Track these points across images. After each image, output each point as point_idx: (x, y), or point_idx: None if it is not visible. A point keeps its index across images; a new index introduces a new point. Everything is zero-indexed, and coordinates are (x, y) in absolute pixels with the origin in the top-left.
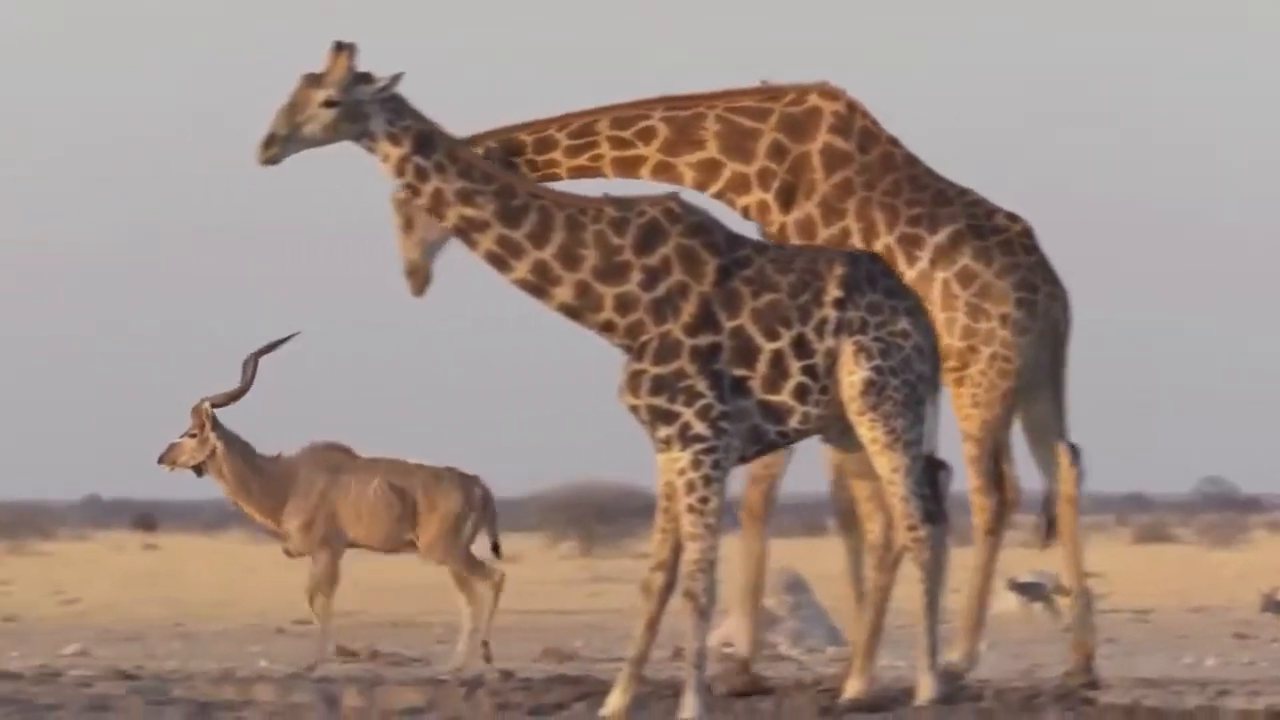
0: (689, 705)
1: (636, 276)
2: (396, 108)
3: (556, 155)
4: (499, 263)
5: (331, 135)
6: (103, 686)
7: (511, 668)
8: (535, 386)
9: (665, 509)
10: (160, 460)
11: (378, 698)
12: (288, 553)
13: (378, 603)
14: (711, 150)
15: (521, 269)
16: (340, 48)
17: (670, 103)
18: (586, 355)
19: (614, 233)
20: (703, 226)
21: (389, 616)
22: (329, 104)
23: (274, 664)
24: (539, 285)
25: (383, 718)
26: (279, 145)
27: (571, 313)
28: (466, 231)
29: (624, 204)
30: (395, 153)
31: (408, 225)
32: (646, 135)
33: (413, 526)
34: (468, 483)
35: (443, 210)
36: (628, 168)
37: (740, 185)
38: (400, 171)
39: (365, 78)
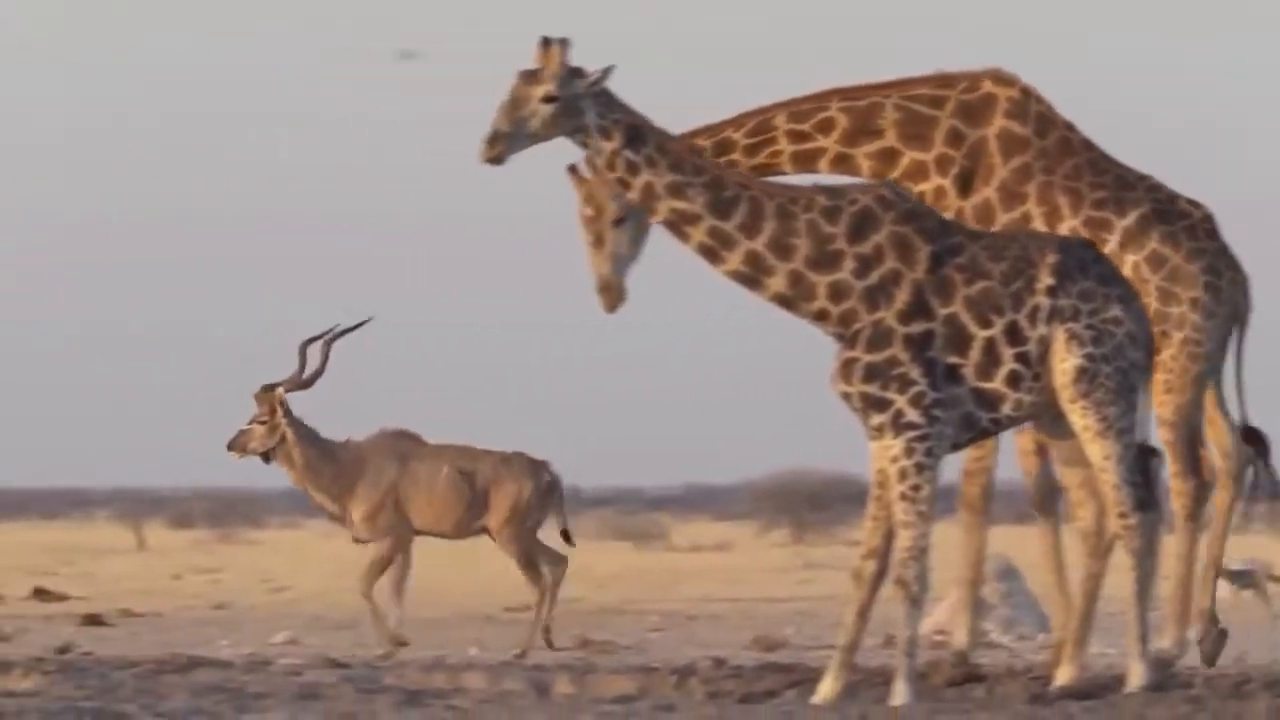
0: (900, 693)
1: (849, 264)
2: (607, 101)
3: (736, 156)
4: (711, 255)
5: (550, 131)
6: (313, 674)
7: (723, 655)
8: (748, 374)
9: (877, 496)
10: (229, 447)
11: (589, 685)
12: (357, 540)
13: (591, 591)
14: (890, 139)
15: (734, 260)
16: (550, 43)
17: (844, 94)
18: (799, 343)
19: (826, 221)
20: (916, 213)
21: (601, 604)
22: (548, 99)
23: (484, 651)
24: (752, 276)
25: (594, 705)
26: (503, 143)
27: (785, 302)
28: (678, 225)
29: (835, 192)
30: (606, 147)
31: (598, 241)
32: (825, 127)
33: (482, 513)
34: (536, 468)
35: (654, 204)
36: (806, 161)
37: (918, 172)
38: (611, 166)
39: (578, 72)
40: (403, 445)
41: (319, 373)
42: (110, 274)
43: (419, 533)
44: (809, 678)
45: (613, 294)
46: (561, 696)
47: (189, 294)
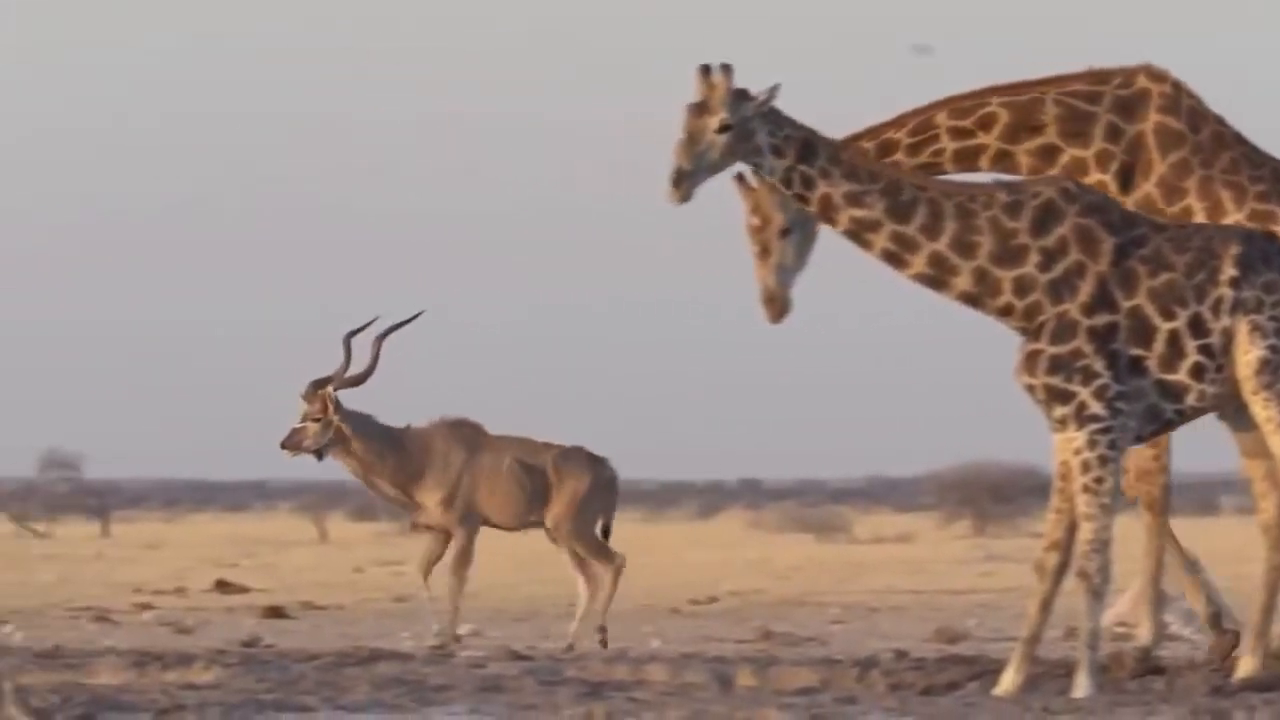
0: (1081, 685)
1: (1034, 258)
2: (775, 119)
3: (899, 156)
4: (895, 260)
5: (728, 159)
6: (495, 667)
7: (904, 647)
8: (931, 367)
9: (1060, 489)
10: (283, 445)
11: (771, 678)
12: (424, 526)
13: (773, 583)
14: (1051, 135)
15: (918, 263)
16: (710, 71)
17: (1003, 91)
18: (981, 335)
19: (1008, 216)
20: (1099, 205)
21: (783, 596)
22: (723, 128)
23: (667, 644)
24: (937, 277)
25: (775, 698)
26: (687, 180)
27: (970, 300)
28: (859, 233)
29: (1015, 187)
30: (780, 164)
31: (764, 252)
32: (987, 123)
33: (541, 505)
34: (596, 463)
35: (833, 215)
36: (967, 159)
37: (1078, 169)
38: (788, 182)
39: (744, 95)
40: (468, 434)
41: (371, 370)
42: (306, 269)
43: (485, 523)
44: (991, 670)
45: (777, 305)
46: (743, 689)
47: (357, 290)
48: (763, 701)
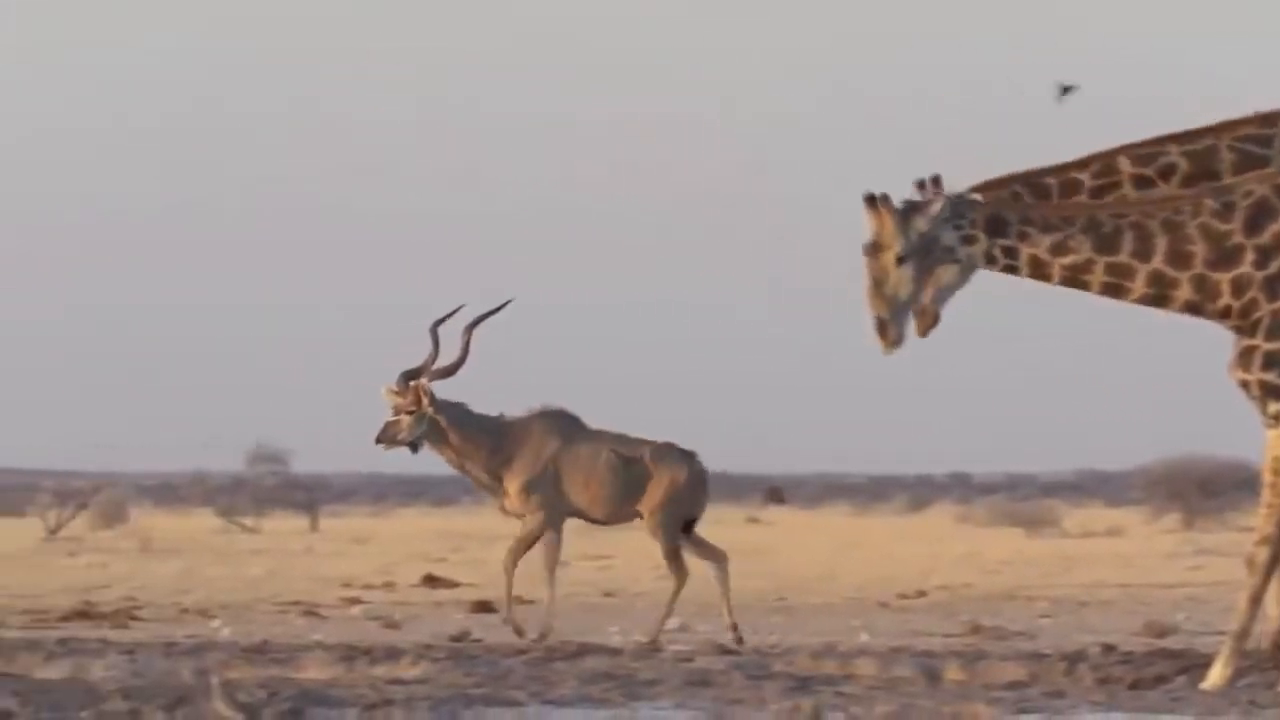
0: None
1: (1249, 257)
2: (955, 210)
3: (1082, 198)
4: (1116, 290)
5: (925, 280)
6: (703, 661)
7: (1113, 641)
8: (1141, 361)
9: (1272, 484)
10: (378, 440)
11: (979, 672)
12: (505, 511)
13: (982, 577)
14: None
15: (1139, 287)
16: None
17: (1180, 139)
18: (1192, 328)
19: (1219, 220)
20: None
21: (992, 590)
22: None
23: (875, 638)
24: (1159, 295)
25: (984, 692)
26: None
27: (1193, 308)
28: (1074, 279)
29: (1223, 189)
30: (978, 250)
31: (878, 281)
32: (1167, 172)
33: (636, 499)
34: (689, 458)
35: (1045, 271)
36: None
37: None
38: (990, 261)
39: (914, 208)
40: (566, 424)
41: (462, 360)
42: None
43: (574, 514)
44: (1199, 664)
45: (890, 335)
46: (951, 683)
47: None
48: (970, 696)
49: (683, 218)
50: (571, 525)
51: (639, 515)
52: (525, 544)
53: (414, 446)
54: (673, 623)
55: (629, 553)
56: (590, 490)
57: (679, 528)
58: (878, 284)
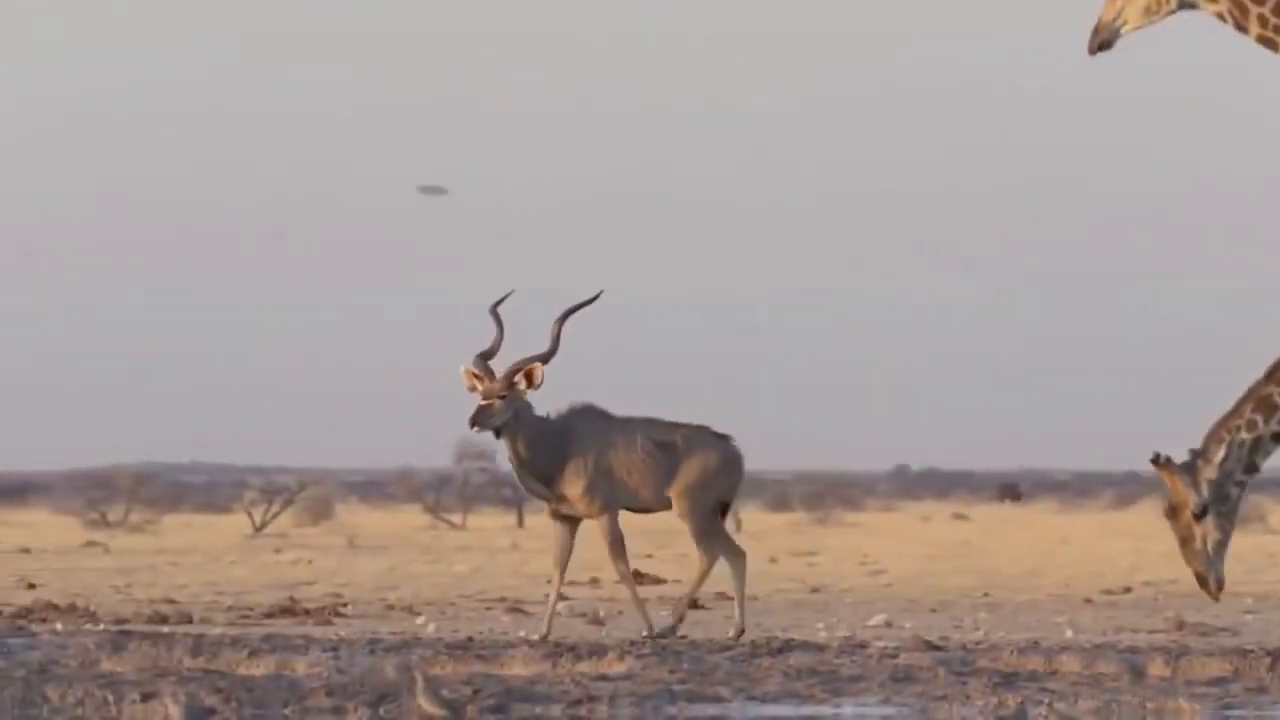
0: None
1: None
2: (1250, 428)
3: None
4: None
5: (1230, 520)
6: (907, 657)
7: None
8: None
9: None
10: (472, 423)
11: (1183, 667)
12: (561, 514)
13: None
14: None
15: None
16: (1159, 464)
17: None
18: None
19: None
20: None
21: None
22: (1199, 516)
23: (1080, 634)
24: None
25: (1188, 688)
26: (1211, 578)
27: None
28: None
29: None
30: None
31: (1185, 540)
32: None
33: (675, 482)
34: (723, 441)
35: None
36: None
37: None
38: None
39: (1199, 455)
40: (600, 420)
41: (553, 350)
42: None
43: (626, 506)
44: None
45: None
46: (1155, 679)
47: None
48: (1174, 691)
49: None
50: (785, 520)
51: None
52: (618, 545)
53: (498, 433)
54: (878, 618)
55: (835, 549)
56: (633, 479)
57: (710, 510)
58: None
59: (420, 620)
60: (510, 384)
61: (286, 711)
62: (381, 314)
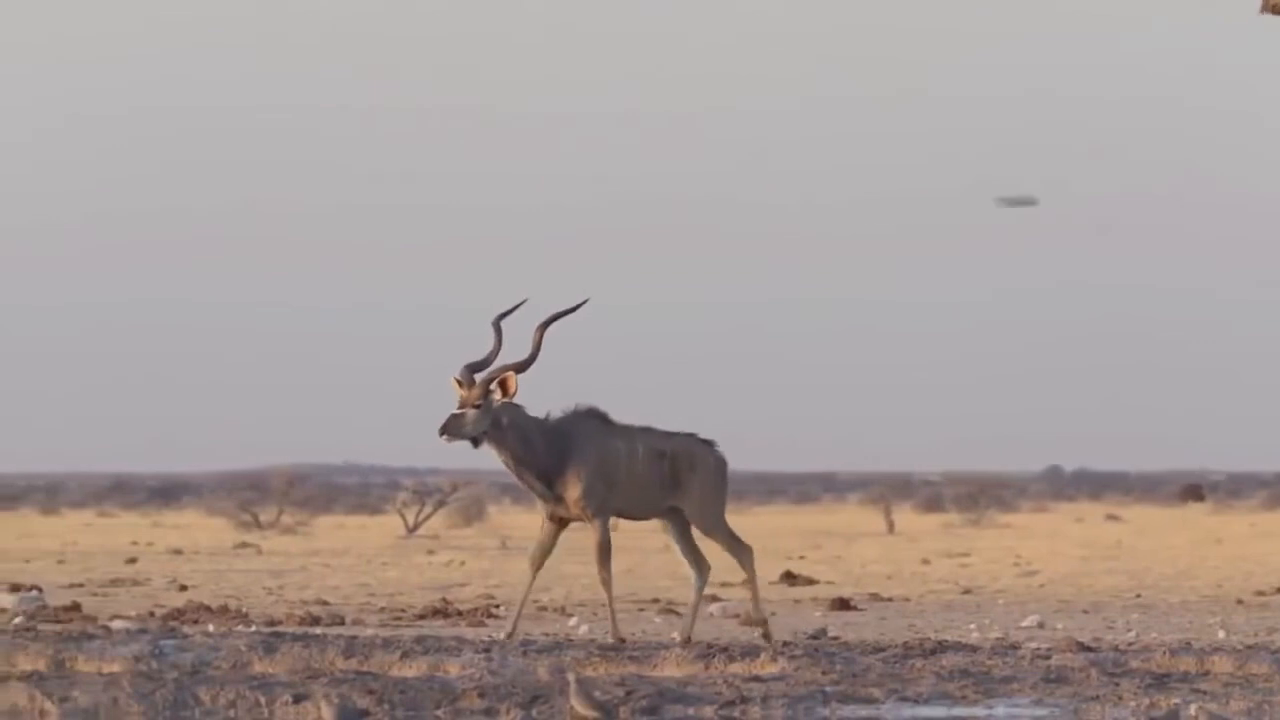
0: None
1: None
2: None
3: None
4: None
5: None
6: (1059, 658)
7: None
8: None
9: None
10: (442, 431)
11: None
12: (554, 519)
13: None
14: None
15: None
16: None
17: None
18: None
19: None
20: None
21: None
22: None
23: (1232, 635)
24: None
25: None
26: None
27: None
28: None
29: None
30: None
31: None
32: None
33: (671, 492)
34: (709, 447)
35: None
36: None
37: None
38: None
39: None
40: (602, 424)
41: (533, 357)
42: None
43: (619, 513)
44: None
45: None
46: None
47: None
48: None
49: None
50: (938, 521)
51: (676, 508)
52: (605, 551)
53: (476, 442)
54: (1030, 619)
55: (988, 550)
56: (633, 487)
57: (723, 519)
58: None
59: (573, 621)
60: (485, 393)
61: (439, 713)
62: (531, 317)
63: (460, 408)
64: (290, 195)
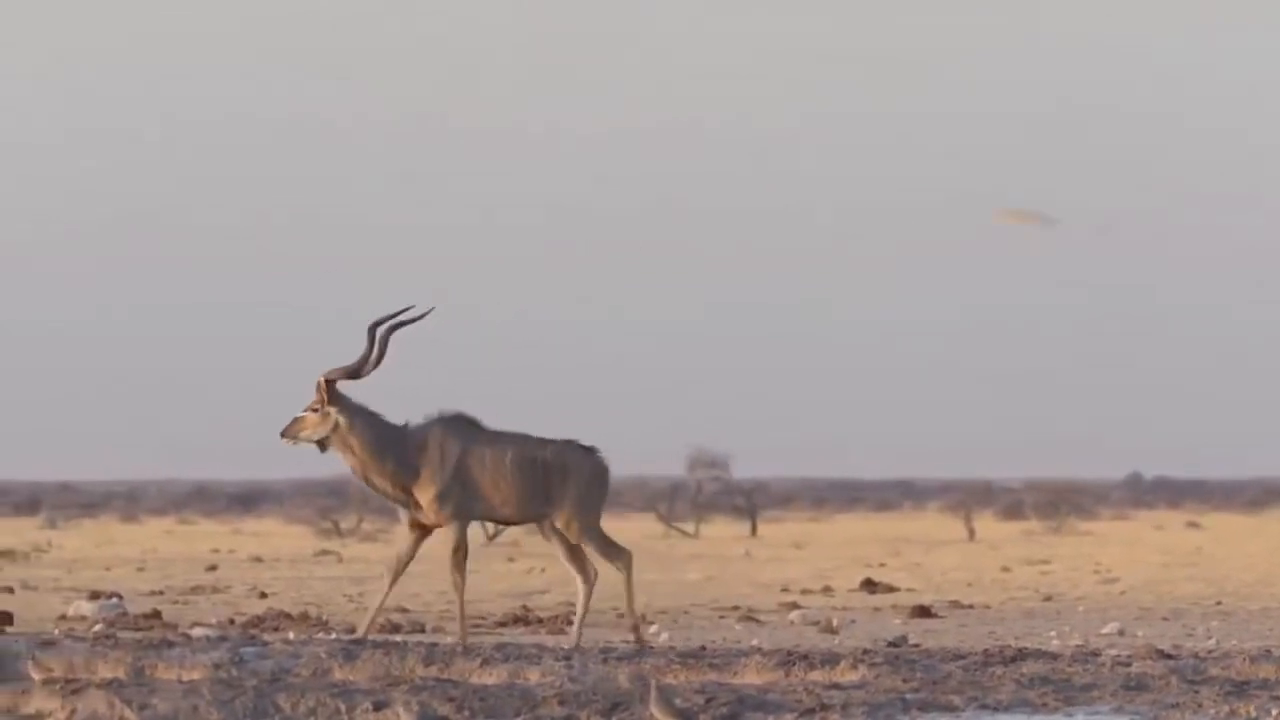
0: None
1: None
2: None
3: None
4: None
5: None
6: (1140, 665)
7: None
8: None
9: None
10: (282, 435)
11: None
12: (419, 525)
13: None
14: None
15: None
16: None
17: None
18: None
19: None
20: None
21: None
22: None
23: None
24: None
25: None
26: None
27: None
28: None
29: None
30: None
31: None
32: None
33: (544, 499)
34: (590, 454)
35: None
36: None
37: None
38: None
39: None
40: (465, 428)
41: (367, 360)
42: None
43: (484, 518)
44: None
45: None
46: None
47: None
48: None
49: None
50: (1018, 528)
51: (547, 515)
52: (460, 555)
53: (321, 445)
54: (1111, 626)
55: (1069, 557)
56: (500, 492)
57: (597, 526)
58: None
59: (653, 629)
60: (322, 398)
61: None
62: (613, 325)
63: (305, 411)
64: (366, 208)
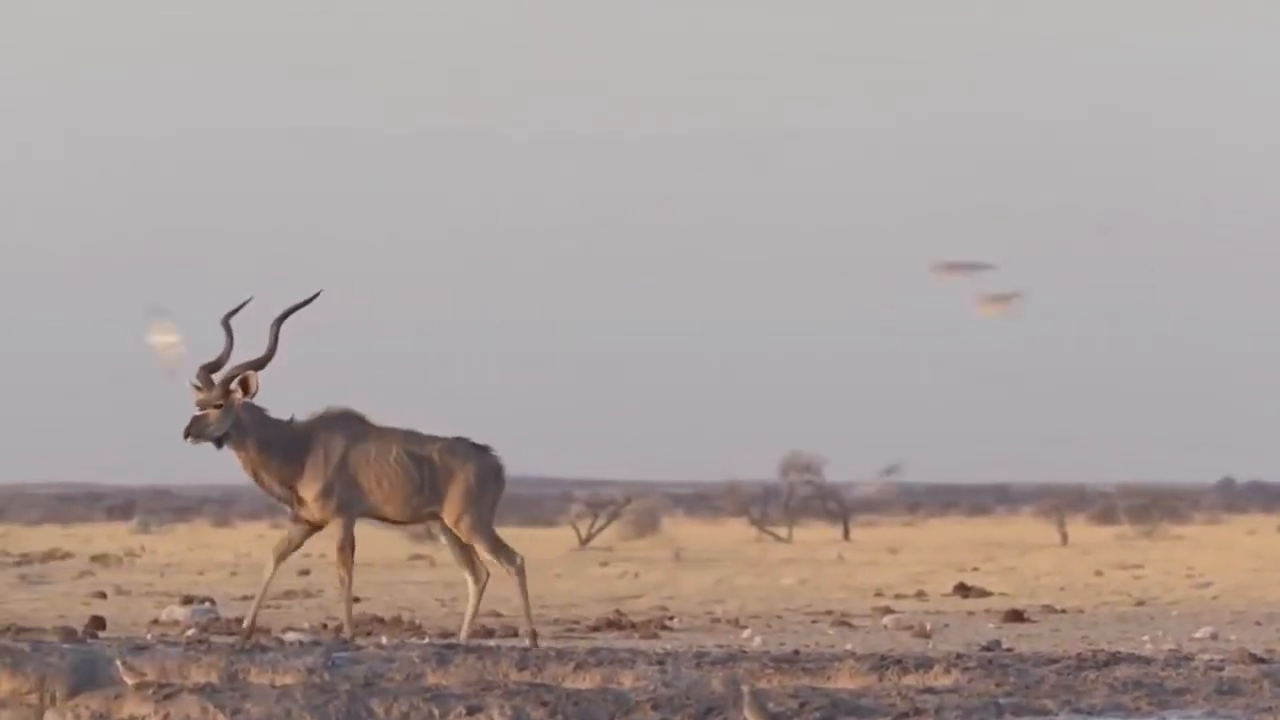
0: None
1: None
2: None
3: None
4: None
5: None
6: (1232, 670)
7: None
8: None
9: None
10: (186, 434)
11: None
12: (305, 522)
13: None
14: None
15: None
16: None
17: None
18: None
19: None
20: None
21: None
22: None
23: None
24: None
25: None
26: None
27: None
28: None
29: None
30: None
31: None
32: None
33: (430, 498)
34: (481, 453)
35: None
36: None
37: None
38: None
39: None
40: (350, 424)
41: (270, 353)
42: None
43: (369, 515)
44: None
45: None
46: None
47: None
48: None
49: None
50: (1111, 533)
51: (435, 515)
52: (347, 551)
53: (219, 443)
54: (1203, 630)
55: (1161, 561)
56: (383, 489)
57: (488, 525)
58: None
59: (746, 633)
60: (225, 393)
61: None
62: (706, 329)
63: (201, 409)
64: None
